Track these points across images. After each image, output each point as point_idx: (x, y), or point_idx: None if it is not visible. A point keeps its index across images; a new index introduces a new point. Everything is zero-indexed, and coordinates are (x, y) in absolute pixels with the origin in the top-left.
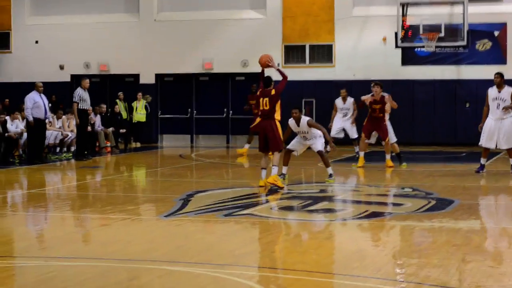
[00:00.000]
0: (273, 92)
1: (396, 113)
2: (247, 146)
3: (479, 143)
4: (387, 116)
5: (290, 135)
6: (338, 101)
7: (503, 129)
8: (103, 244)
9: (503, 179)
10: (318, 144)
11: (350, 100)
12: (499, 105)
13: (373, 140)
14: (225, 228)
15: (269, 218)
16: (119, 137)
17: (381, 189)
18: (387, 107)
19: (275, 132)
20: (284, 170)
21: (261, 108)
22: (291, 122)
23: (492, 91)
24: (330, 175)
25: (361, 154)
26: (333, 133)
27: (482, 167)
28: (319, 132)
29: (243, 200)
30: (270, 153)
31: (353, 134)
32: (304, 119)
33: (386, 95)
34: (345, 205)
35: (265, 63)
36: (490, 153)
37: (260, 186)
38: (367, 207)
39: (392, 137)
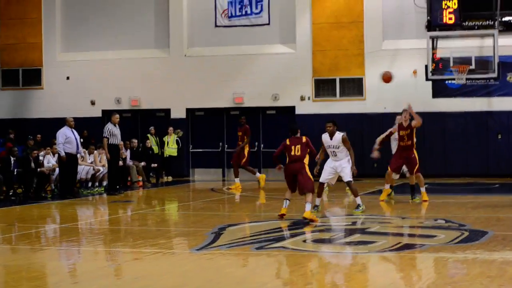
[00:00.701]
0: (304, 139)
1: (428, 145)
2: (237, 180)
3: None
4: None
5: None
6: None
7: None
8: (135, 278)
9: None
10: (347, 172)
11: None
12: None
13: (396, 176)
14: (257, 261)
15: (301, 251)
16: (150, 172)
17: (414, 221)
18: (414, 123)
19: (306, 173)
20: (317, 201)
21: (292, 153)
22: (325, 136)
23: None
24: (358, 206)
25: (386, 186)
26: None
27: None
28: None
29: (275, 233)
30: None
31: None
32: (339, 133)
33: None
34: (378, 237)
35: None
36: None
37: (280, 214)
38: (399, 239)
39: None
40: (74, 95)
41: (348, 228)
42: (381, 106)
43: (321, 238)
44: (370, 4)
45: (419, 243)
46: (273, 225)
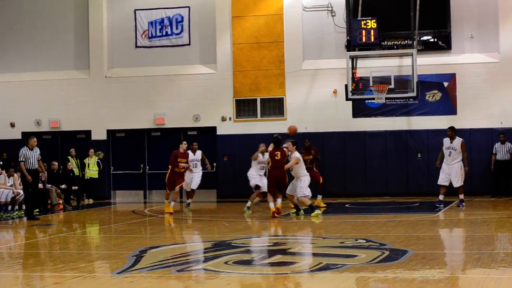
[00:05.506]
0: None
1: (348, 164)
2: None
3: None
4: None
5: None
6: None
7: None
8: None
9: (456, 228)
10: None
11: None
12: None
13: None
14: (178, 283)
15: (223, 273)
16: (71, 194)
17: (335, 241)
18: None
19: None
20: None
21: None
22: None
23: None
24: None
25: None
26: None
27: None
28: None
29: (197, 255)
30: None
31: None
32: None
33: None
34: (299, 258)
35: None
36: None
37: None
38: (321, 260)
39: (306, 192)
40: None
41: (270, 249)
42: (302, 126)
43: (242, 259)
44: (290, 24)
45: (340, 263)
46: (195, 246)
